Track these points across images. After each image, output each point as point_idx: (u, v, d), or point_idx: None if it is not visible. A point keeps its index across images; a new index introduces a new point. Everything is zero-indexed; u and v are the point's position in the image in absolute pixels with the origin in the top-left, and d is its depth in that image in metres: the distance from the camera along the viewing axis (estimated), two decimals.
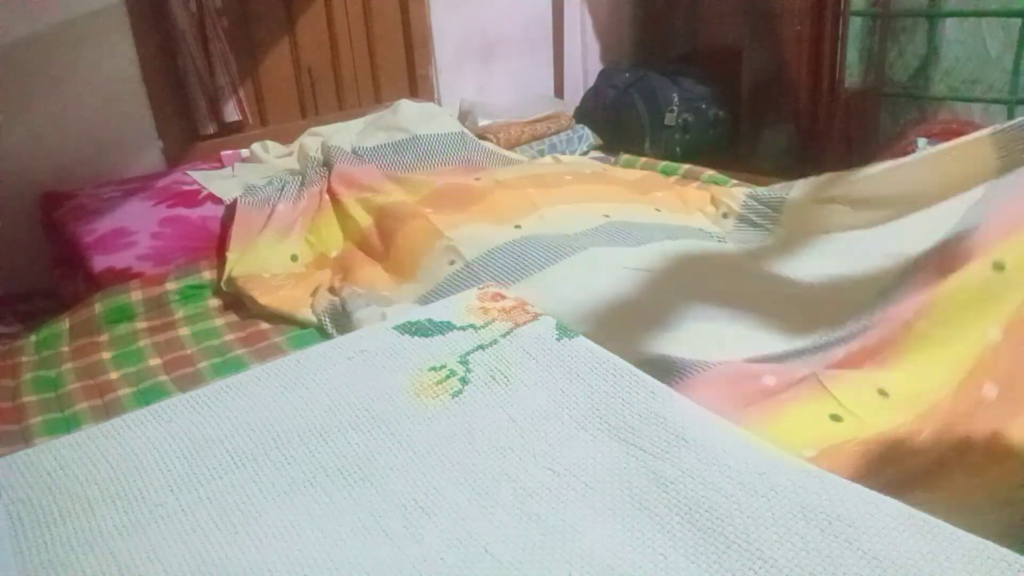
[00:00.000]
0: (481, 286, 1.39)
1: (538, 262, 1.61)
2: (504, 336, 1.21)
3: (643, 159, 2.54)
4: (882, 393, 1.18)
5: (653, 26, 3.17)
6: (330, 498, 0.92)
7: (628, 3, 3.18)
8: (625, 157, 2.59)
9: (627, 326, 1.41)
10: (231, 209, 1.93)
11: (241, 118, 2.28)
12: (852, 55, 2.90)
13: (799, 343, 1.35)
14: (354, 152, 2.17)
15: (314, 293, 1.70)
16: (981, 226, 1.29)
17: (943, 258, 1.30)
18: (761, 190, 1.91)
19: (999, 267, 1.21)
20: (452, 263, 1.67)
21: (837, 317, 1.37)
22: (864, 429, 1.11)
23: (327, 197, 2.02)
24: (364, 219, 1.93)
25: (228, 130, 2.27)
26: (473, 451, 0.99)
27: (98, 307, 1.67)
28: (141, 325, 1.66)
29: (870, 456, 1.06)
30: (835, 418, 1.14)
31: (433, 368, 1.15)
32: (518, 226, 1.78)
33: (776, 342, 1.36)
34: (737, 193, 1.95)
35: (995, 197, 1.38)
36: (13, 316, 1.82)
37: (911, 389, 1.18)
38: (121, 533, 0.87)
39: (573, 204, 1.90)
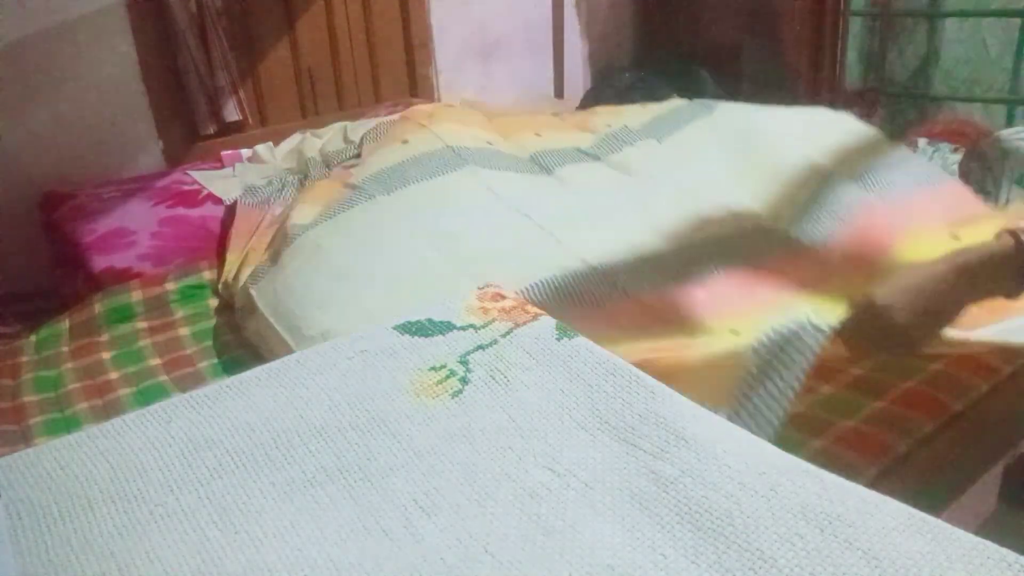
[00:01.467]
0: (481, 286, 1.39)
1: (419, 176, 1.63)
2: (504, 336, 1.21)
3: None
4: (734, 332, 1.22)
5: (653, 26, 3.17)
6: (330, 498, 0.92)
7: (628, 3, 3.18)
8: None
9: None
10: (231, 210, 1.93)
11: (241, 118, 2.28)
12: (852, 55, 2.90)
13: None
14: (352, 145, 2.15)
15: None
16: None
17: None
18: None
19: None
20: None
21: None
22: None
23: None
24: None
25: (228, 130, 2.27)
26: (473, 451, 0.99)
27: (98, 307, 1.67)
28: (141, 325, 1.66)
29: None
30: (735, 332, 1.18)
31: (433, 368, 1.15)
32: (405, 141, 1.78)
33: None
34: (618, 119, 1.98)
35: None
36: (13, 316, 1.82)
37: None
38: (121, 533, 0.87)
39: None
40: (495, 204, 1.55)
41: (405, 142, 1.77)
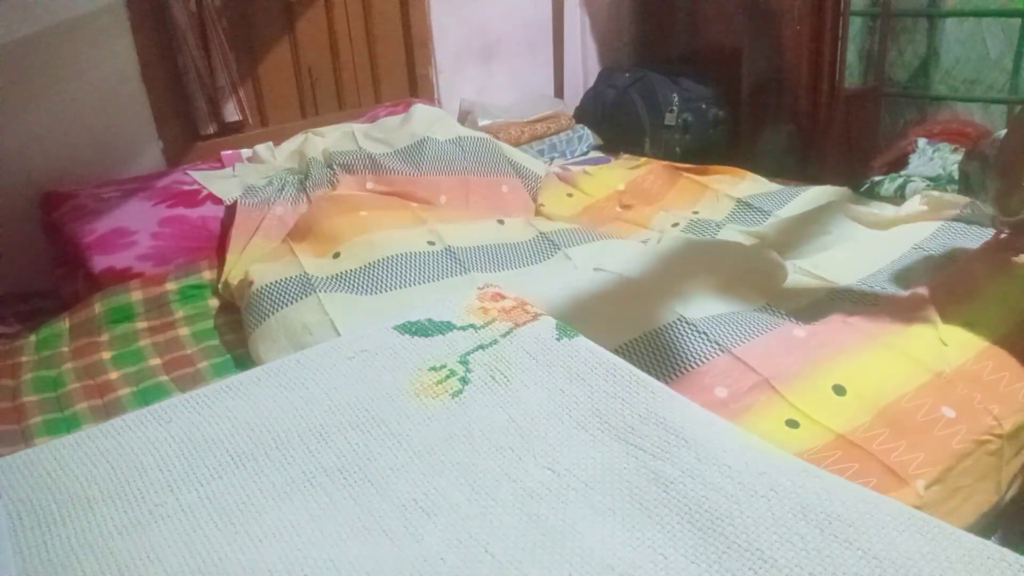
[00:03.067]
0: (481, 286, 1.39)
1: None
2: (504, 336, 1.21)
3: (643, 159, 2.54)
4: (838, 390, 1.19)
5: (653, 26, 3.16)
6: (330, 498, 0.92)
7: (628, 3, 3.17)
8: (625, 157, 2.59)
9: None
10: (231, 210, 1.93)
11: (241, 118, 2.28)
12: (852, 55, 2.90)
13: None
14: (371, 158, 2.15)
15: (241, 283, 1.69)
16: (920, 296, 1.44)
17: (885, 312, 1.41)
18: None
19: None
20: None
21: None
22: (822, 434, 1.12)
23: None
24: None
25: (228, 130, 2.27)
26: (473, 451, 0.99)
27: (98, 307, 1.67)
28: (141, 325, 1.66)
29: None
30: (792, 424, 1.14)
31: (433, 368, 1.15)
32: (501, 220, 1.85)
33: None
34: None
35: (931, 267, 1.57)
36: (13, 316, 1.82)
37: (867, 385, 1.21)
38: (121, 533, 0.87)
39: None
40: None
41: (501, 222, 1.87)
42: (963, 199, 1.79)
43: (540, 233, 1.81)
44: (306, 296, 1.50)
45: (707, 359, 1.26)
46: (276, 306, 1.49)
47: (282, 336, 1.43)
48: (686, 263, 1.60)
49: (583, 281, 1.53)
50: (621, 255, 1.68)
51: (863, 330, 1.32)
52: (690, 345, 1.28)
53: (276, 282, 1.55)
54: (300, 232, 1.80)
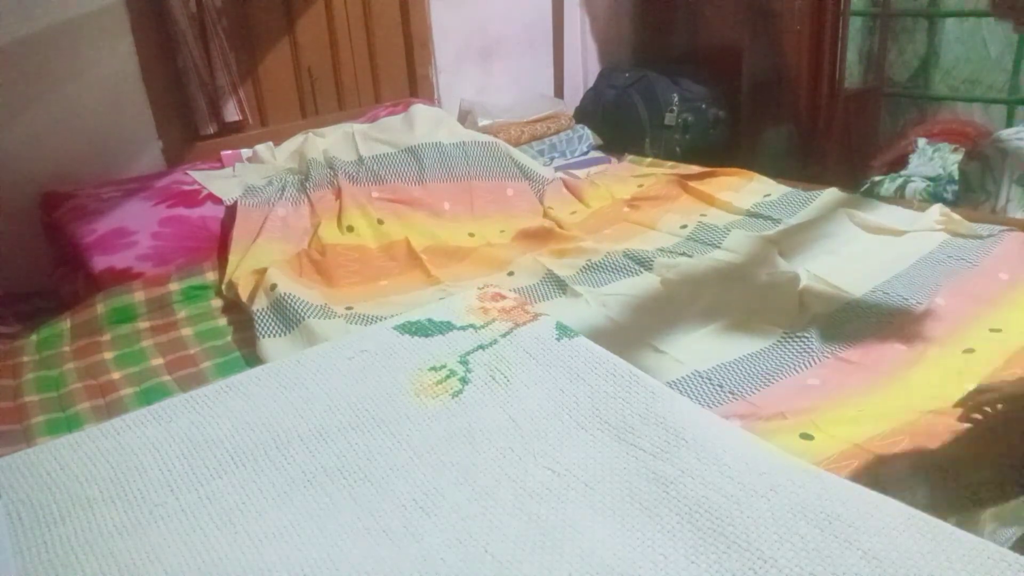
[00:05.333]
0: (481, 286, 1.39)
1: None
2: (504, 336, 1.21)
3: (648, 159, 2.55)
4: (853, 420, 1.18)
5: (653, 26, 3.17)
6: (330, 498, 0.92)
7: (628, 3, 3.17)
8: (630, 158, 2.60)
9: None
10: (232, 211, 1.93)
11: (241, 118, 2.27)
12: (852, 55, 2.90)
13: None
14: (362, 162, 2.14)
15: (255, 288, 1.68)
16: (939, 305, 1.44)
17: (905, 325, 1.41)
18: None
19: (969, 351, 1.32)
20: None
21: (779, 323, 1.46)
22: (837, 444, 1.11)
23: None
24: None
25: (228, 130, 2.27)
26: (473, 451, 0.99)
27: (100, 307, 1.67)
28: (143, 325, 1.66)
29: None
30: (806, 436, 1.13)
31: (433, 368, 1.15)
32: (511, 272, 1.82)
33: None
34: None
35: (943, 276, 1.56)
36: (13, 316, 1.82)
37: (883, 410, 1.19)
38: (121, 533, 0.87)
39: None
40: None
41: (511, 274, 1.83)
42: (982, 227, 1.73)
43: (548, 271, 1.78)
44: (331, 319, 1.51)
45: (719, 405, 1.24)
46: (301, 316, 1.50)
47: (303, 346, 1.43)
48: (695, 298, 1.58)
49: (595, 320, 1.52)
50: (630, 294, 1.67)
51: (876, 370, 1.31)
52: (702, 396, 1.26)
53: (302, 300, 1.55)
54: (323, 274, 1.80)
